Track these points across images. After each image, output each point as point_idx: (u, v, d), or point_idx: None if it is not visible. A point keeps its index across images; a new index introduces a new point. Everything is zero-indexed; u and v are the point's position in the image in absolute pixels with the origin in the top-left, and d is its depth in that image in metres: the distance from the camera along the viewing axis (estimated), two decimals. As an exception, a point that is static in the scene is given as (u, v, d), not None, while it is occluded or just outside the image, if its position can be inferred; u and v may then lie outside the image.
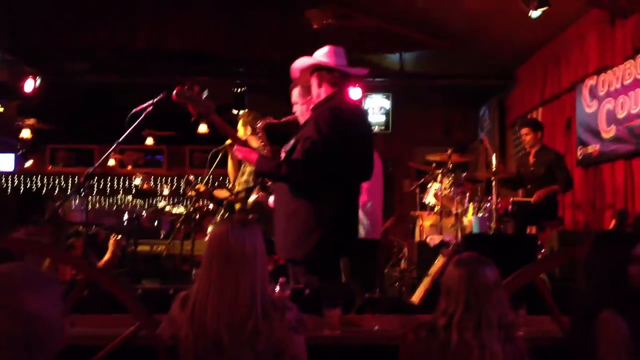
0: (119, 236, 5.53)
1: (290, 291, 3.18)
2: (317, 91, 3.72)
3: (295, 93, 4.05)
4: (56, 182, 12.97)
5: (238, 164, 5.53)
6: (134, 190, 13.17)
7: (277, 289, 3.09)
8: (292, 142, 3.65)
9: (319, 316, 3.00)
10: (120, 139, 3.66)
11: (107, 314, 3.07)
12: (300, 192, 3.53)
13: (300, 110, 4.05)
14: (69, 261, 2.94)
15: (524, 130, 6.93)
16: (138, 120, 3.55)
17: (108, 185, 13.26)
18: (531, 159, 6.90)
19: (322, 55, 3.73)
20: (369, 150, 3.78)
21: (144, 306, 2.81)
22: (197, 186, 5.45)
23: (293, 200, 3.55)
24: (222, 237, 2.29)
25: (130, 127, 3.60)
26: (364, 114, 3.93)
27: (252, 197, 4.89)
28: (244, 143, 3.74)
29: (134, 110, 3.56)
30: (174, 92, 3.28)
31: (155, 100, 3.49)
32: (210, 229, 6.29)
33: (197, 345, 2.20)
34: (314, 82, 3.74)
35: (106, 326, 3.00)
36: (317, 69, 3.71)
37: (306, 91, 3.92)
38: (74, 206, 12.21)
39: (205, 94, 3.36)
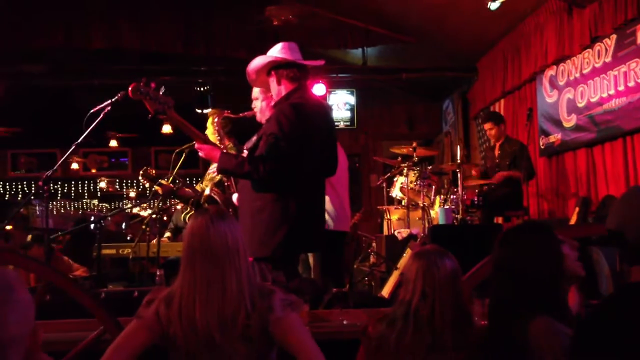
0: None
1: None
2: (277, 89, 3.68)
3: (256, 89, 4.02)
4: (18, 187, 12.76)
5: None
6: (99, 194, 13.08)
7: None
8: (254, 138, 3.62)
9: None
10: (79, 140, 3.60)
11: (71, 318, 3.01)
12: (265, 188, 3.50)
13: (260, 106, 4.02)
14: (29, 267, 2.88)
15: (488, 126, 7.03)
16: (97, 121, 3.49)
17: (72, 190, 13.08)
18: (496, 152, 6.99)
19: (276, 52, 3.69)
20: (332, 145, 3.77)
21: (107, 310, 2.75)
22: (148, 170, 5.36)
23: (258, 197, 3.53)
24: (202, 231, 2.23)
25: (88, 128, 3.54)
26: (326, 108, 3.91)
27: (206, 191, 4.85)
28: (206, 140, 3.68)
29: (92, 110, 3.50)
30: (130, 88, 3.22)
31: (112, 100, 3.44)
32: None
33: (188, 343, 2.16)
34: (272, 81, 3.70)
35: (69, 331, 2.95)
36: (274, 67, 3.67)
37: (268, 87, 3.89)
38: (38, 211, 12.02)
39: (162, 90, 3.30)
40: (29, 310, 1.43)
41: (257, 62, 3.72)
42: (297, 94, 3.62)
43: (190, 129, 3.53)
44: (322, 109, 3.82)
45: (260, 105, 4.02)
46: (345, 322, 3.08)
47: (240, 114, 4.27)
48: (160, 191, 5.22)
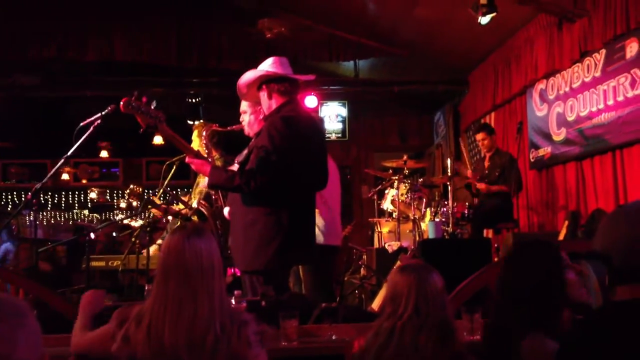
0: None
1: (247, 303, 3.14)
2: (268, 103, 3.69)
3: (245, 102, 4.03)
4: (9, 197, 12.71)
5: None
6: (89, 204, 13.03)
7: (233, 301, 3.04)
8: (245, 152, 3.62)
9: (275, 327, 2.97)
10: (69, 152, 3.58)
11: (58, 333, 2.99)
12: (257, 202, 3.51)
13: (248, 120, 4.03)
14: (15, 281, 2.86)
15: (480, 136, 7.06)
16: (86, 134, 3.48)
17: (63, 200, 13.03)
18: (486, 164, 7.02)
19: (268, 66, 3.71)
20: (322, 158, 3.78)
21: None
22: (135, 189, 5.39)
23: (250, 210, 3.53)
24: (177, 249, 2.18)
25: (78, 140, 3.53)
26: (317, 121, 3.93)
27: (194, 204, 4.85)
28: (197, 154, 3.68)
29: (82, 123, 3.49)
30: (121, 103, 3.23)
31: (103, 113, 3.43)
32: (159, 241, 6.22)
33: None
34: (263, 95, 3.70)
35: (57, 346, 2.92)
36: (265, 81, 3.68)
37: (258, 101, 3.90)
38: (28, 222, 11.96)
39: (153, 104, 3.30)
40: (39, 338, 1.48)
41: (248, 76, 3.72)
42: (288, 107, 3.63)
43: (182, 142, 3.53)
44: (314, 122, 3.83)
45: (248, 118, 4.03)
46: (334, 337, 3.06)
47: (228, 128, 4.28)
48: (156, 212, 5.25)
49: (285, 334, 2.94)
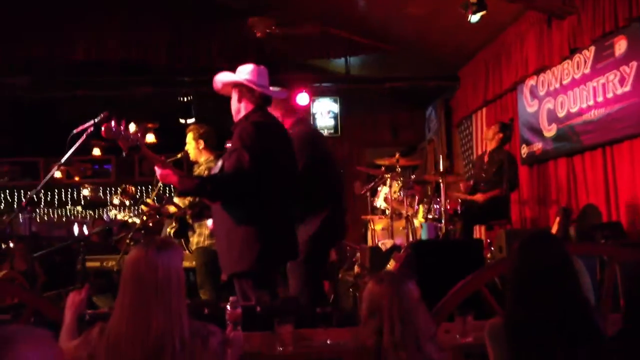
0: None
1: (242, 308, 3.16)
2: (237, 106, 3.79)
3: None
4: (1, 196, 12.67)
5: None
6: (82, 201, 12.99)
7: (229, 307, 3.07)
8: (219, 163, 3.69)
9: (271, 332, 3.01)
10: (62, 160, 3.60)
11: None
12: (237, 207, 3.57)
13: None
14: (14, 293, 2.88)
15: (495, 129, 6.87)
16: (79, 142, 3.49)
17: (56, 197, 13.01)
18: (486, 158, 6.97)
19: (245, 73, 3.78)
20: (294, 162, 3.88)
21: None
22: (127, 189, 5.42)
23: (231, 216, 3.60)
24: (135, 261, 2.20)
25: (72, 147, 3.54)
26: (285, 130, 4.02)
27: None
28: (166, 164, 3.57)
29: (75, 130, 3.50)
30: (102, 130, 3.29)
31: (96, 120, 3.45)
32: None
33: None
34: (234, 95, 3.80)
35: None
36: (239, 84, 3.77)
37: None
38: (21, 219, 11.93)
39: (132, 128, 3.37)
40: None
41: (226, 76, 3.82)
42: (256, 114, 3.73)
43: (158, 159, 3.55)
44: (282, 128, 3.96)
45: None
46: (329, 342, 3.10)
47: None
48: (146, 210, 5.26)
49: (280, 340, 2.97)
